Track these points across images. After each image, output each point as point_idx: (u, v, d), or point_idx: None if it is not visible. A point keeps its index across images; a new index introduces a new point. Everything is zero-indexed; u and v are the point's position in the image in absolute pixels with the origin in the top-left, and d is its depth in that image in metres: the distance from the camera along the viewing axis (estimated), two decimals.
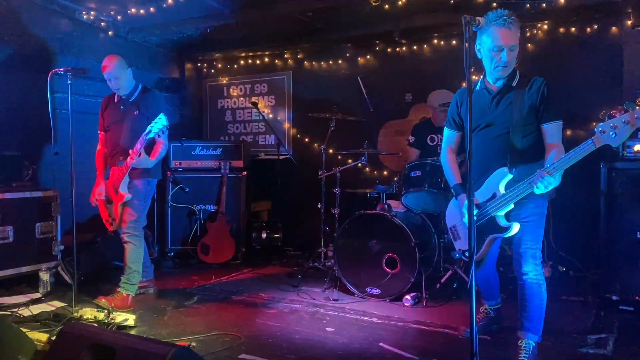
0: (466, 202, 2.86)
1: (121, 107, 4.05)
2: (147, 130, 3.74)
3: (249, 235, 5.83)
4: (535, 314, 2.82)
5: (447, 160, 3.13)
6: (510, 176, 2.71)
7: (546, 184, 2.49)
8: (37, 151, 4.94)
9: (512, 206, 2.73)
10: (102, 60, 3.94)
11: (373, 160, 5.18)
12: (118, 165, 3.96)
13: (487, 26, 2.66)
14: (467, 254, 2.99)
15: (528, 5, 4.59)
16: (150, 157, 3.90)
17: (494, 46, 2.69)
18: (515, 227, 2.73)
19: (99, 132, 4.21)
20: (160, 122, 3.71)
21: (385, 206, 4.29)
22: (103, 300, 3.78)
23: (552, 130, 2.72)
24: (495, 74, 2.80)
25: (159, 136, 3.77)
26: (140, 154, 3.79)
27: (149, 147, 3.90)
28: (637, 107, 2.29)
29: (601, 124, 2.33)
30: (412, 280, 3.94)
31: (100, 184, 4.07)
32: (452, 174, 3.08)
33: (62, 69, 3.79)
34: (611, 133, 2.30)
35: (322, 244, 4.93)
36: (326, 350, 3.12)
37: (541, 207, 2.81)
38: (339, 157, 5.77)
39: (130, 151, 3.81)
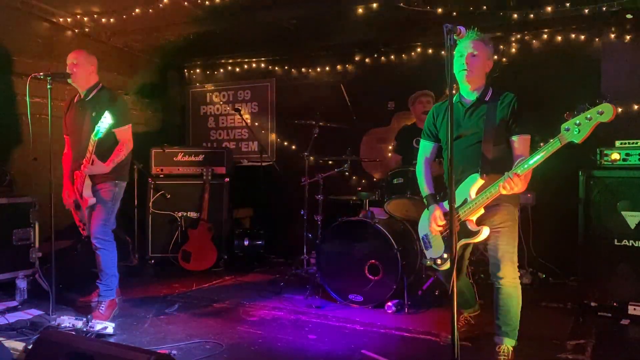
0: (436, 212, 2.92)
1: (80, 108, 3.89)
2: (94, 131, 3.52)
3: (231, 242, 5.79)
4: (512, 318, 2.86)
5: (423, 170, 3.19)
6: (481, 182, 2.77)
7: (512, 185, 2.56)
8: (15, 157, 4.85)
9: (482, 211, 2.79)
10: None
11: (356, 168, 5.22)
12: (80, 169, 3.79)
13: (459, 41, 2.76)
14: (437, 262, 3.03)
15: (515, 15, 4.67)
16: (105, 164, 3.68)
17: (457, 52, 2.85)
18: (485, 232, 2.78)
19: (64, 136, 4.05)
20: (105, 121, 3.48)
21: (368, 213, 4.31)
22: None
23: (521, 143, 2.80)
24: (460, 77, 2.88)
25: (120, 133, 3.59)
26: (92, 162, 3.60)
27: (109, 150, 3.73)
28: (597, 105, 2.37)
29: (566, 122, 2.42)
30: (395, 287, 3.95)
31: (68, 189, 3.93)
32: (425, 184, 3.13)
33: (41, 74, 3.70)
34: (575, 130, 2.39)
35: (305, 251, 4.93)
36: (308, 357, 3.11)
37: (512, 214, 2.89)
38: (322, 163, 5.78)
39: (83, 160, 3.63)
